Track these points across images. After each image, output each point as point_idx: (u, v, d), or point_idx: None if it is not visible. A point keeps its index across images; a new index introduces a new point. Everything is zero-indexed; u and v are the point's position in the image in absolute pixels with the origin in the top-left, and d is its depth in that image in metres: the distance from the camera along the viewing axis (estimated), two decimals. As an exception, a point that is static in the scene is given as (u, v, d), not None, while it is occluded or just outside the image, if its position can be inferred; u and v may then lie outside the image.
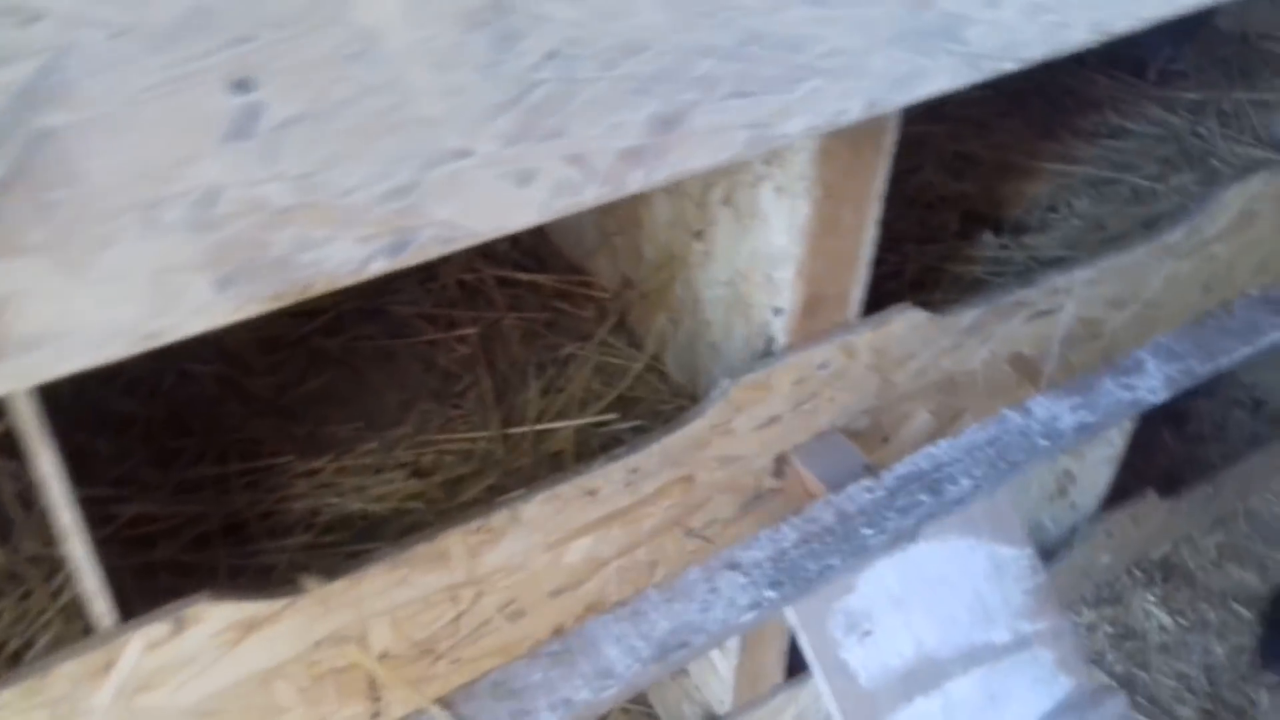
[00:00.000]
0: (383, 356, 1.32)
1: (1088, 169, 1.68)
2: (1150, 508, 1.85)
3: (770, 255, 1.06)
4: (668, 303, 1.26)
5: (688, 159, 0.75)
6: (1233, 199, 1.38)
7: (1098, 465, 1.78)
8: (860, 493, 1.07)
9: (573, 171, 0.71)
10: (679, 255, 1.21)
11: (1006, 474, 1.10)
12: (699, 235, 1.16)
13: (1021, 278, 1.35)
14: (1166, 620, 1.92)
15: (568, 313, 1.36)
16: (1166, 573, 2.00)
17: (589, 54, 0.72)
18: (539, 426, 1.17)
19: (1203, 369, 1.28)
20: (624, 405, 1.23)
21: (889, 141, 1.01)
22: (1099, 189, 1.64)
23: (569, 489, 1.00)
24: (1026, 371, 1.35)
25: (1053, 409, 1.21)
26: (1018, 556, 1.13)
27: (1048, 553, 1.85)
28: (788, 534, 1.03)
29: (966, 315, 1.21)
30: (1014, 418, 1.20)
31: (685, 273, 1.21)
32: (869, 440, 1.25)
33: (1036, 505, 1.92)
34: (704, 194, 1.12)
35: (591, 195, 0.71)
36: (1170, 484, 2.04)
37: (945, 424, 1.32)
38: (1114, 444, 1.74)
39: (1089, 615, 1.91)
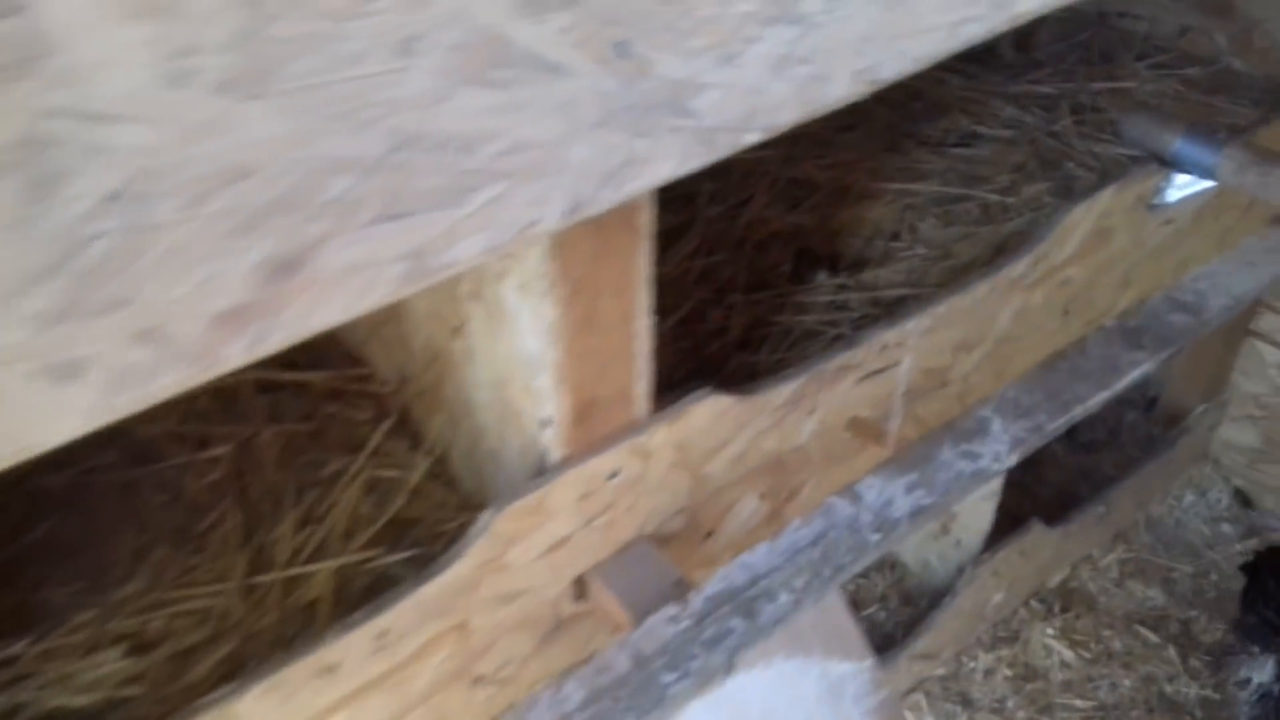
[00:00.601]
0: (120, 490, 1.14)
1: (934, 186, 1.56)
2: (1039, 538, 1.74)
3: (526, 360, 0.90)
4: (443, 402, 1.11)
5: (315, 312, 0.59)
6: (1079, 220, 1.27)
7: (977, 502, 1.66)
8: (663, 625, 0.93)
9: (141, 353, 0.55)
10: (443, 352, 1.05)
11: (832, 581, 0.97)
12: (457, 331, 1.00)
13: (855, 330, 1.23)
14: (1068, 655, 1.82)
15: (339, 417, 1.19)
16: (1066, 600, 1.90)
17: (168, 190, 0.56)
18: (288, 572, 1.01)
19: (1054, 424, 1.16)
20: (398, 529, 1.07)
21: (645, 220, 0.86)
22: (947, 208, 1.52)
23: (297, 671, 0.84)
24: (868, 434, 1.22)
25: (886, 492, 1.08)
26: (856, 672, 1.00)
27: (938, 594, 1.73)
28: (573, 694, 0.88)
29: (781, 391, 1.07)
30: (843, 508, 1.07)
31: (452, 372, 1.05)
32: (689, 540, 1.11)
33: (921, 544, 1.81)
34: (454, 285, 0.97)
35: (169, 381, 0.55)
36: (1062, 502, 1.95)
37: (781, 504, 1.18)
38: (982, 523, 1.62)
39: (986, 659, 1.80)
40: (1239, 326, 1.91)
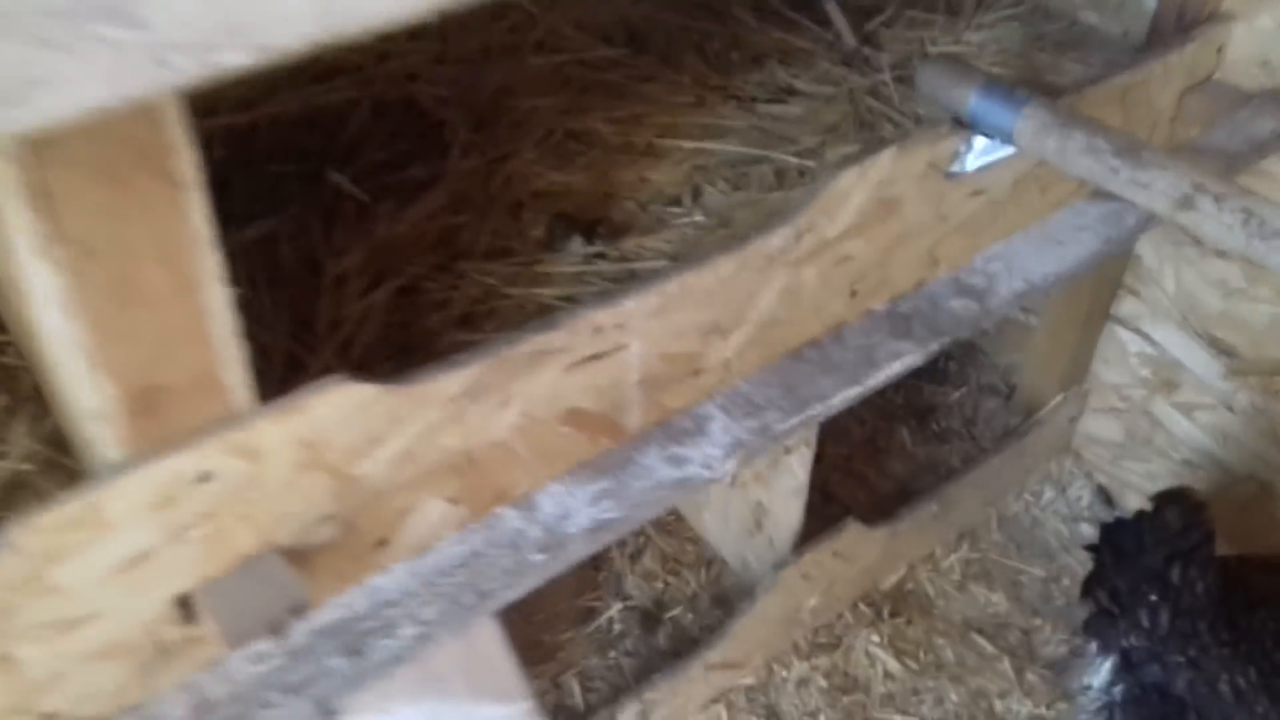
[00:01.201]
0: None
1: (732, 146, 1.40)
2: (857, 538, 1.60)
3: (56, 339, 0.74)
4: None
5: None
6: (850, 187, 1.11)
7: (785, 497, 1.52)
8: (244, 667, 0.78)
9: None
10: (25, 321, 0.89)
11: (476, 611, 0.82)
12: (23, 297, 0.84)
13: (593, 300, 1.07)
14: (893, 665, 1.69)
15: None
16: (898, 605, 1.77)
17: None
18: None
19: (785, 426, 1.01)
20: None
21: (182, 167, 0.69)
22: (741, 171, 1.36)
23: None
24: (598, 429, 1.06)
25: (565, 502, 0.93)
26: (509, 717, 0.85)
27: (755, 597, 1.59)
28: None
29: (452, 379, 0.91)
30: (510, 520, 0.91)
31: (33, 347, 0.89)
32: (356, 549, 0.95)
33: (737, 540, 1.66)
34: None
35: None
36: (904, 496, 1.81)
37: (485, 507, 1.03)
38: (796, 475, 1.47)
39: (800, 668, 1.66)
40: (1098, 310, 1.77)
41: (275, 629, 0.80)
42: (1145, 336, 1.76)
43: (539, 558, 0.88)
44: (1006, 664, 1.71)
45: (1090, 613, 1.46)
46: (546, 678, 1.57)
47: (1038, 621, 1.78)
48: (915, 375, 2.08)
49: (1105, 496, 1.94)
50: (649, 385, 1.09)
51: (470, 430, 0.96)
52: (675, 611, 1.67)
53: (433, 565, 0.86)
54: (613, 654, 1.61)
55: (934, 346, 1.13)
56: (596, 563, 1.75)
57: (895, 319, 1.14)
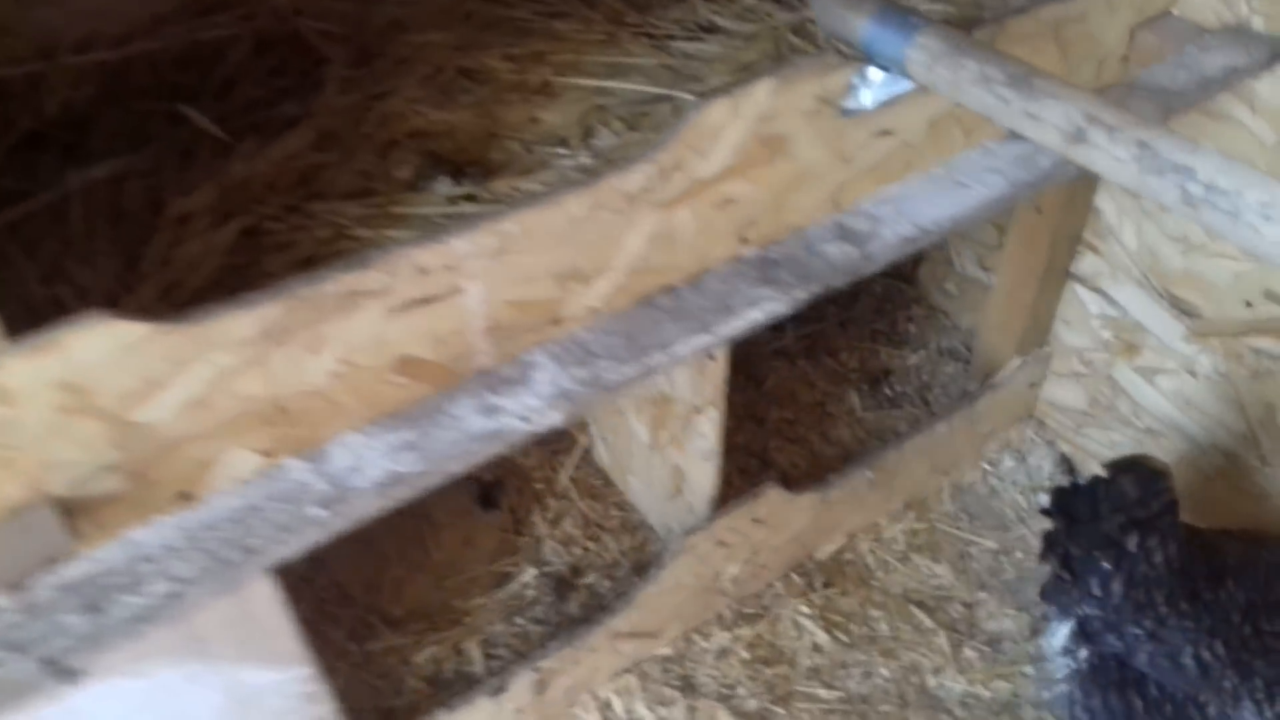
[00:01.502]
0: None
1: (635, 84, 1.31)
2: (779, 505, 1.51)
3: None
4: None
5: None
6: (721, 123, 1.02)
7: (697, 461, 1.44)
8: (-28, 619, 0.72)
9: None
10: None
11: (244, 569, 0.75)
12: None
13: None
14: (822, 637, 1.61)
15: None
16: (833, 575, 1.68)
17: None
18: None
19: (618, 375, 0.93)
20: None
21: None
22: (641, 111, 1.27)
23: None
24: (440, 380, 0.99)
25: (362, 453, 0.86)
26: (284, 683, 0.78)
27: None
28: None
29: (242, 320, 0.84)
30: (296, 470, 0.84)
31: None
32: (153, 501, 0.89)
33: (660, 505, 1.59)
34: None
35: None
36: (849, 463, 1.71)
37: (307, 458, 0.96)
38: (706, 436, 1.39)
39: (722, 638, 1.58)
40: (1056, 267, 1.65)
41: (12, 583, 0.74)
42: (1106, 296, 1.64)
43: (318, 513, 0.81)
44: (943, 639, 1.62)
45: (1046, 577, 1.40)
46: (448, 644, 1.51)
47: (983, 595, 1.68)
48: (872, 336, 2.00)
49: (1067, 465, 1.83)
50: (500, 334, 1.02)
51: (277, 377, 0.90)
52: (591, 578, 1.60)
53: (202, 519, 0.80)
54: (520, 620, 1.55)
55: (801, 295, 1.03)
56: (518, 527, 1.68)
57: (764, 265, 1.04)
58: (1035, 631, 1.62)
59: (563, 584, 1.58)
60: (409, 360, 0.97)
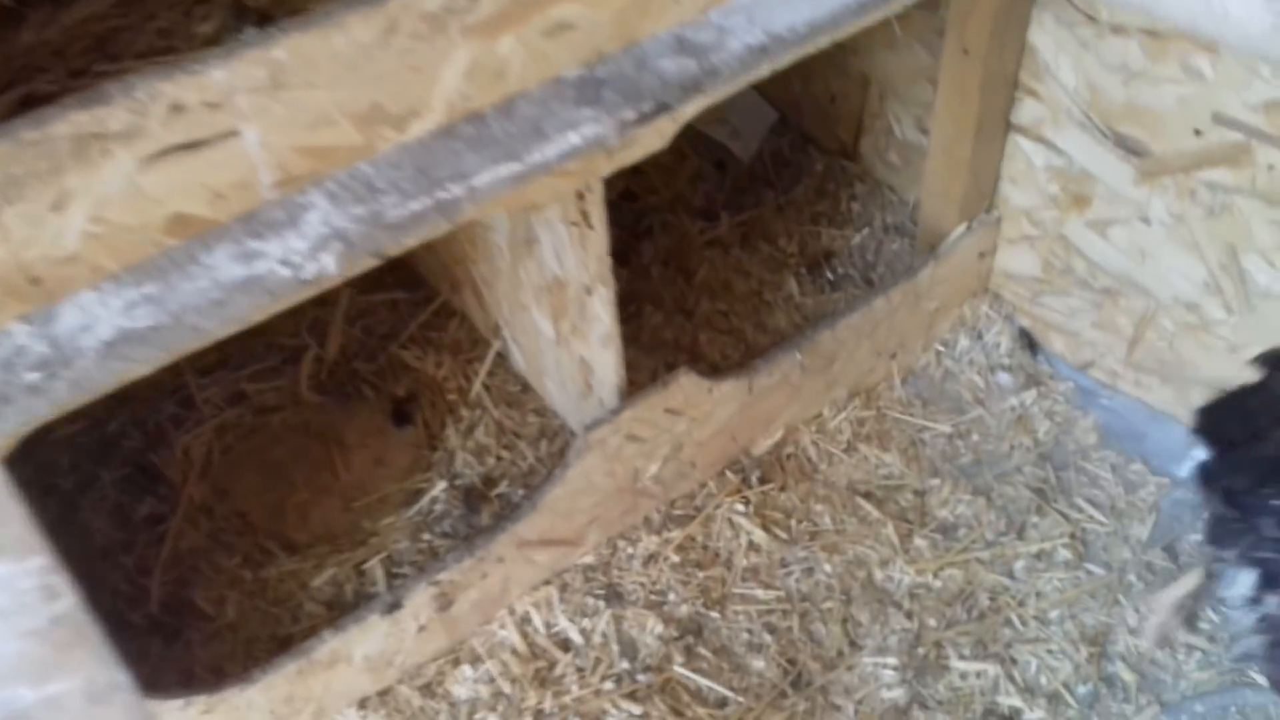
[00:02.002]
0: None
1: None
2: (695, 394, 1.39)
3: None
4: None
5: None
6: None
7: (598, 349, 1.31)
8: None
9: None
10: None
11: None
12: None
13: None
14: (759, 535, 1.48)
15: None
16: (769, 471, 1.55)
17: None
18: None
19: (405, 210, 0.80)
20: None
21: None
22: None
23: None
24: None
25: (95, 311, 0.74)
26: (15, 575, 0.67)
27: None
28: None
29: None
30: (18, 334, 0.73)
31: None
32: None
33: (575, 405, 1.46)
34: None
35: None
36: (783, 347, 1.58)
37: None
38: (602, 319, 1.27)
39: (650, 543, 1.47)
40: (992, 117, 1.50)
41: None
42: (1050, 145, 1.49)
43: (34, 378, 0.70)
44: (891, 529, 1.49)
45: (1210, 516, 1.20)
46: (349, 565, 1.41)
47: (935, 481, 1.55)
48: (813, 219, 1.86)
49: (1027, 340, 1.69)
50: (294, 189, 0.89)
51: (17, 241, 0.78)
52: (505, 488, 1.49)
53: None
54: (428, 536, 1.44)
55: (629, 114, 0.90)
56: (432, 442, 1.57)
57: (586, 85, 0.91)
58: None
59: (473, 495, 1.47)
60: (182, 219, 0.85)
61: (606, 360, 1.32)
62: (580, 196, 1.12)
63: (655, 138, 1.02)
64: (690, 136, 1.98)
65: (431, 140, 0.87)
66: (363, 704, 1.32)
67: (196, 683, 1.30)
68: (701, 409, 1.42)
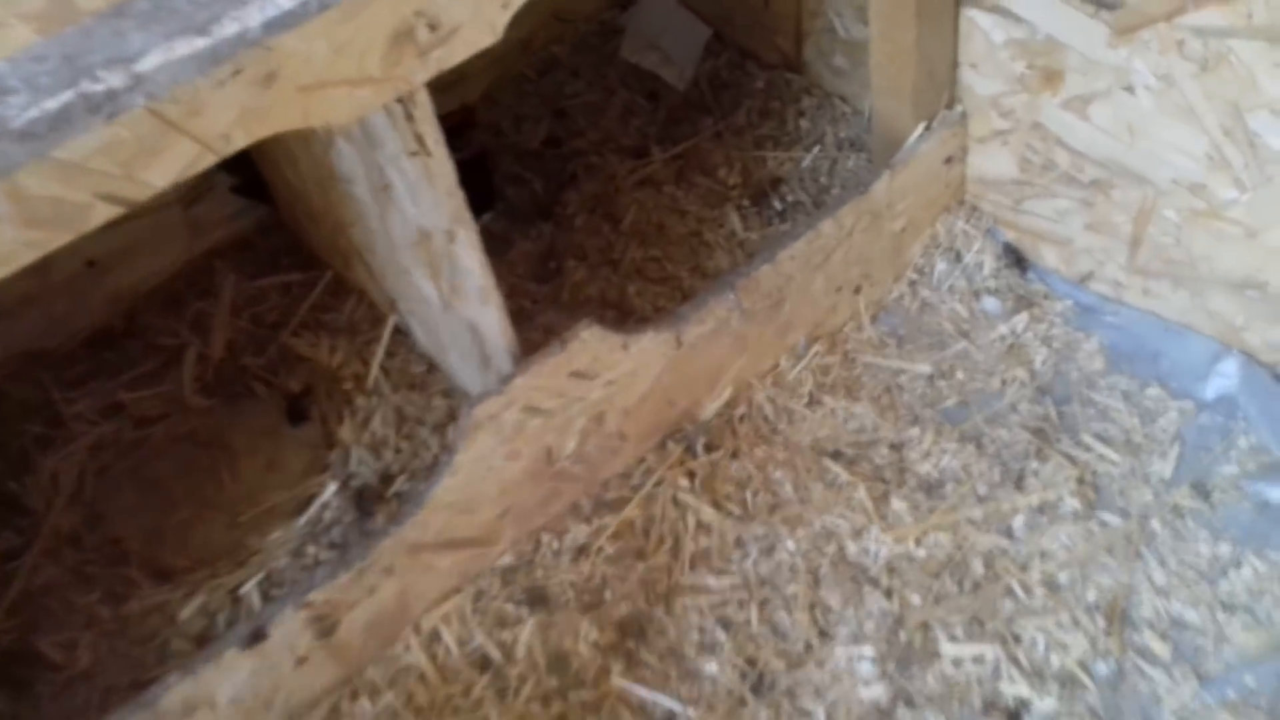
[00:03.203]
0: None
1: None
2: (602, 351, 1.16)
3: None
4: None
5: None
6: None
7: (478, 309, 1.09)
8: None
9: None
10: None
11: None
12: None
13: None
14: (709, 513, 1.25)
15: None
16: (717, 437, 1.32)
17: None
18: None
19: (29, 114, 0.59)
20: None
21: None
22: None
23: None
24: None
25: None
26: None
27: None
28: None
29: None
30: None
31: None
32: None
33: (476, 379, 1.24)
34: None
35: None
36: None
37: None
38: (472, 272, 1.05)
39: (580, 534, 1.24)
40: (941, -7, 1.25)
41: None
42: (1007, 14, 1.23)
43: None
44: (863, 492, 1.25)
45: None
46: (222, 591, 1.20)
47: (914, 432, 1.31)
48: (756, 143, 1.62)
49: (1015, 256, 1.44)
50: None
51: None
52: (402, 484, 1.27)
53: None
54: (312, 549, 1.23)
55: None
56: (329, 439, 1.36)
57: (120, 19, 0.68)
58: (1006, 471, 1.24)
59: (367, 496, 1.26)
60: None
61: (489, 320, 1.10)
62: (408, 115, 0.90)
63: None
64: (619, 69, 1.75)
65: (101, 20, 0.65)
66: (243, 754, 1.12)
67: (43, 746, 1.11)
68: (619, 370, 1.20)
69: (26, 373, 1.44)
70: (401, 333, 1.42)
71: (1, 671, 1.16)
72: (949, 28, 1.30)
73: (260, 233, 1.56)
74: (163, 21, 0.64)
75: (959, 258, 1.46)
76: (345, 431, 1.34)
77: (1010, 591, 1.17)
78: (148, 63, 0.62)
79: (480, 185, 1.49)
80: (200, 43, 0.63)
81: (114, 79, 0.60)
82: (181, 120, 0.68)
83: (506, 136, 1.67)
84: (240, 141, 0.70)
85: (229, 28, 0.65)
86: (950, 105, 1.37)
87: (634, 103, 1.69)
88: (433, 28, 0.81)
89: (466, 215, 1.02)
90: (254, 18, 0.66)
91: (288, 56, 0.71)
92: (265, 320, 1.48)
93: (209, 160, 0.68)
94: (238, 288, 1.50)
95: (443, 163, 0.96)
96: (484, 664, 1.17)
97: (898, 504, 1.25)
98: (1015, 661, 1.12)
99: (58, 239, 0.66)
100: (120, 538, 1.31)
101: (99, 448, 1.38)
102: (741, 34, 1.70)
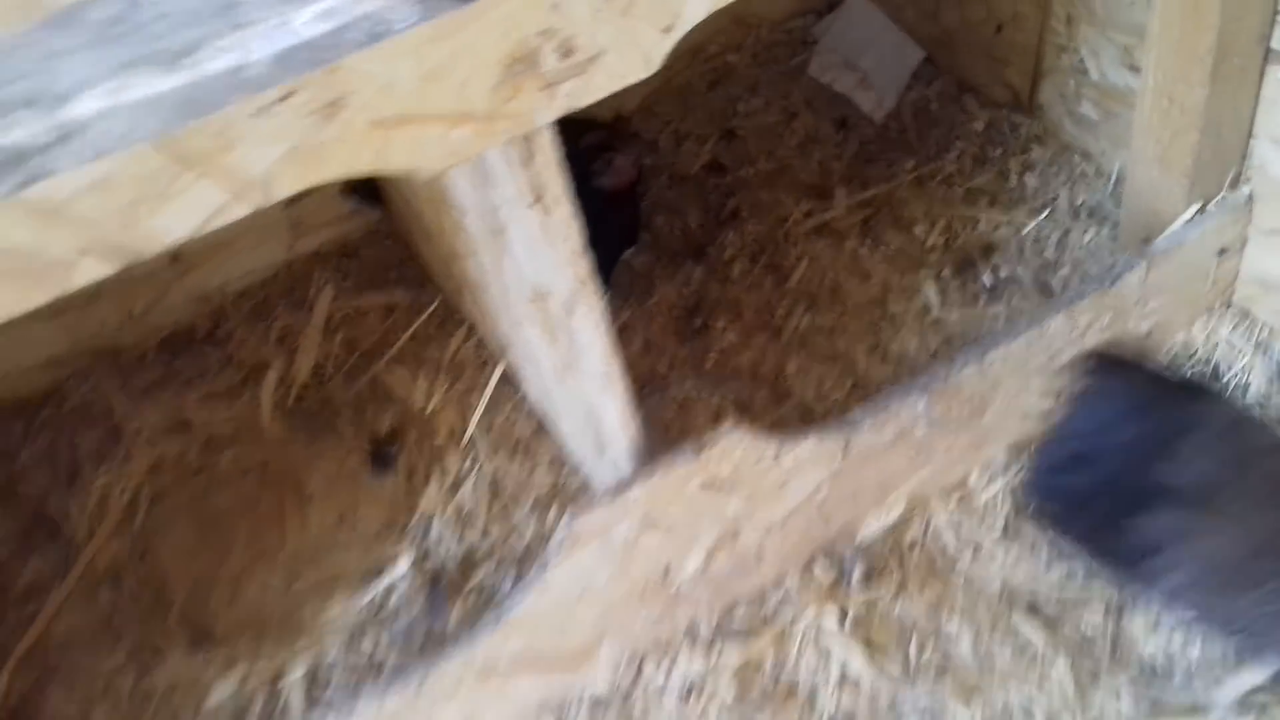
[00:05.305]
0: None
1: None
2: (747, 459, 0.95)
3: None
4: None
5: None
6: None
7: (596, 392, 0.91)
8: None
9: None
10: None
11: None
12: None
13: None
14: (857, 665, 1.03)
15: None
16: (881, 564, 1.09)
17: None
18: None
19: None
20: None
21: None
22: None
23: None
24: None
25: None
26: None
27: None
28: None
29: None
30: None
31: None
32: None
33: (591, 462, 1.05)
34: None
35: None
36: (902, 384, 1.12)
37: None
38: (591, 346, 0.86)
39: (690, 666, 1.04)
40: (1243, 40, 1.00)
41: None
42: (1340, 78, 0.98)
43: None
44: (1063, 669, 1.01)
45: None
46: (266, 675, 1.05)
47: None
48: (967, 198, 1.38)
49: (1291, 380, 1.18)
50: None
51: None
52: (485, 574, 1.10)
53: None
54: (369, 640, 1.07)
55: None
56: (410, 499, 1.20)
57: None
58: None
59: (440, 583, 1.09)
60: None
61: (609, 409, 0.91)
62: (526, 159, 0.72)
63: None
64: (805, 88, 1.54)
65: (21, 37, 0.47)
66: None
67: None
68: (766, 480, 0.99)
69: (91, 373, 1.33)
70: (510, 383, 1.24)
71: (1, 737, 1.04)
72: (1250, 90, 1.04)
73: (368, 241, 1.42)
74: (118, 43, 0.46)
75: (1217, 373, 1.20)
76: (430, 495, 1.18)
77: (1254, 846, 0.92)
78: (82, 106, 0.44)
79: (627, 219, 1.31)
80: (170, 80, 0.45)
81: (36, 123, 0.43)
82: (203, 156, 0.50)
83: (663, 156, 1.48)
84: (285, 189, 0.53)
85: (217, 61, 0.46)
86: (1235, 185, 1.12)
87: (819, 130, 1.47)
88: (566, 53, 0.63)
89: (592, 285, 0.84)
90: (258, 49, 0.47)
91: (360, 81, 0.54)
92: (360, 345, 1.33)
93: (236, 212, 0.52)
94: (334, 302, 1.36)
95: (567, 221, 0.77)
96: (558, 820, 0.99)
97: (1109, 693, 1.00)
98: None
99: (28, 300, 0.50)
100: (165, 581, 1.18)
101: (158, 469, 1.26)
102: (962, 62, 1.47)
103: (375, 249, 1.42)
